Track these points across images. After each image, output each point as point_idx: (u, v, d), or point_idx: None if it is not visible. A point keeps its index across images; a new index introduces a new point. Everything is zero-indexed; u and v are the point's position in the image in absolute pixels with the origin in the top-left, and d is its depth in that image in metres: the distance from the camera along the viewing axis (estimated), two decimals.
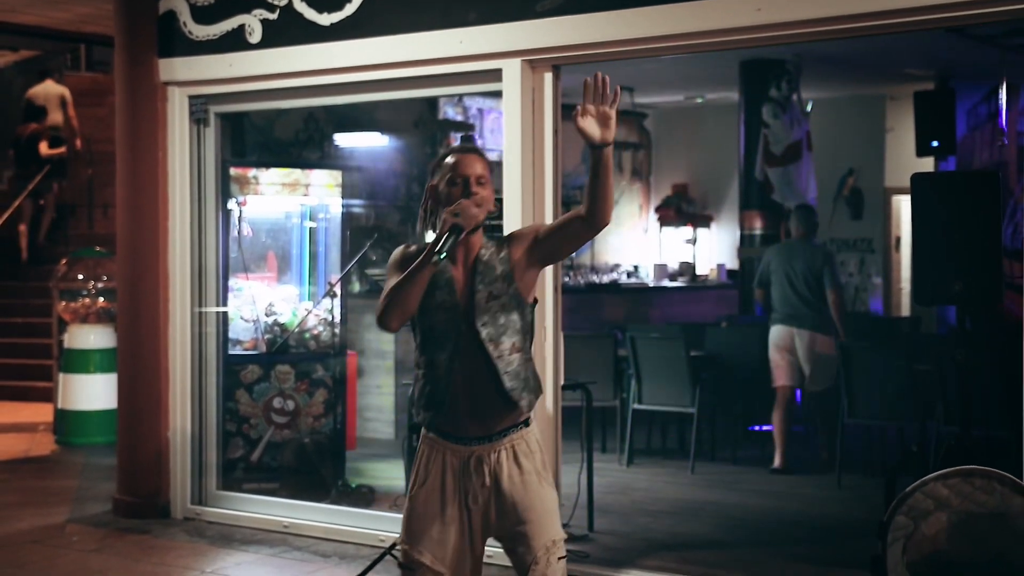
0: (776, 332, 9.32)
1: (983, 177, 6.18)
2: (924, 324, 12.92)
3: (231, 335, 8.06)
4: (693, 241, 16.89)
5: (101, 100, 14.75)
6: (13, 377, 13.14)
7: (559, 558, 3.92)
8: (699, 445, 9.43)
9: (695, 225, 16.83)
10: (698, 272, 16.02)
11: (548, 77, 6.52)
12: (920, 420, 8.44)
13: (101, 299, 10.76)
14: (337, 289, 8.14)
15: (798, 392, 9.43)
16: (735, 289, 13.57)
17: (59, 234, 15.16)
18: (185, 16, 7.62)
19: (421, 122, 12.93)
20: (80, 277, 10.93)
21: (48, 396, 11.63)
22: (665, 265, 15.85)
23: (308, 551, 7.01)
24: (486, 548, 4.05)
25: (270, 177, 8.32)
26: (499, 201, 6.41)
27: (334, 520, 7.33)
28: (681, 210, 16.79)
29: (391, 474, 8.69)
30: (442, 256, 3.72)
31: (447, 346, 3.90)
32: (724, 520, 7.82)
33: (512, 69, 6.48)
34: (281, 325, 8.27)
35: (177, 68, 7.69)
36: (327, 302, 8.21)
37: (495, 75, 6.58)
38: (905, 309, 14.90)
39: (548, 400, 6.47)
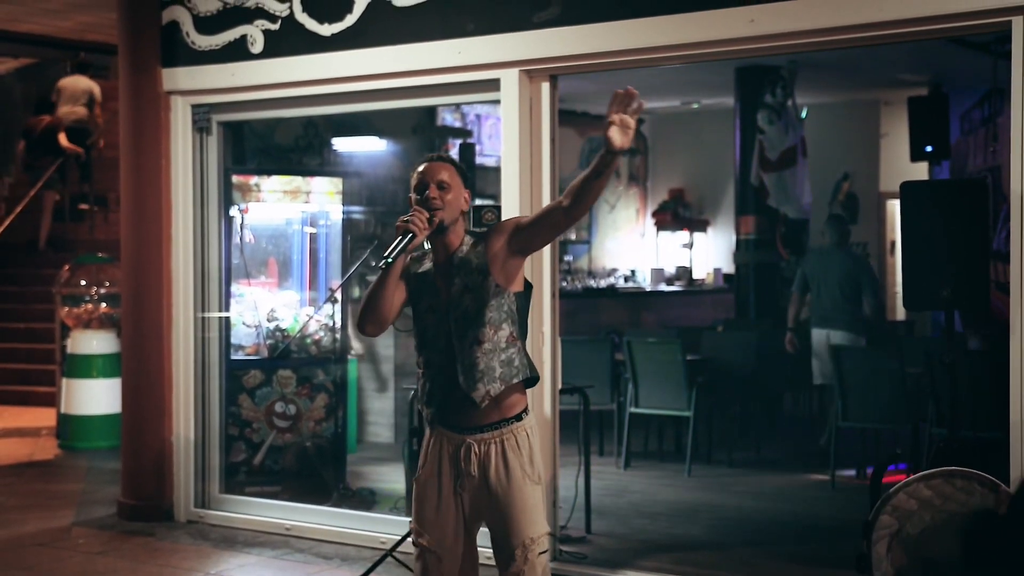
0: (815, 335, 9.88)
1: (971, 185, 6.32)
2: (919, 327, 13.04)
3: (233, 340, 8.16)
4: (690, 246, 16.99)
5: (103, 106, 14.84)
6: (17, 382, 13.23)
7: (540, 553, 4.06)
8: (695, 448, 9.52)
9: (692, 230, 16.94)
10: (695, 276, 16.13)
11: (545, 87, 6.62)
12: (913, 423, 8.55)
13: (104, 305, 10.86)
14: (338, 295, 8.23)
15: None
16: (731, 293, 13.67)
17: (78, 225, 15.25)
18: (188, 26, 7.72)
19: (419, 128, 13.01)
20: (83, 283, 11.02)
21: (51, 401, 11.71)
22: (662, 269, 15.96)
23: (310, 553, 7.10)
24: (481, 550, 4.20)
25: (271, 184, 8.41)
26: (497, 208, 6.54)
27: (335, 523, 7.42)
28: (678, 215, 16.91)
29: (392, 477, 8.78)
30: (390, 260, 3.91)
31: (438, 346, 4.11)
32: (719, 521, 7.92)
33: (510, 79, 6.58)
34: (283, 330, 8.35)
35: (180, 78, 7.79)
36: (328, 308, 8.30)
37: (493, 85, 6.67)
38: (900, 313, 15.00)
39: (546, 404, 6.57)
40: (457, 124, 13.68)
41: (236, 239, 8.14)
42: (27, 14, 12.24)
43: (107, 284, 10.86)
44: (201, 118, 7.83)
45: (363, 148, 12.45)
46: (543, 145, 6.63)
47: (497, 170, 6.95)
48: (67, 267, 11.37)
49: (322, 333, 8.38)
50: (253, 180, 8.32)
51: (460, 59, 6.71)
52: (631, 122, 3.74)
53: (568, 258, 15.31)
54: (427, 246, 4.20)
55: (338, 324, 8.33)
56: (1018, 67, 5.24)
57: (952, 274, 5.69)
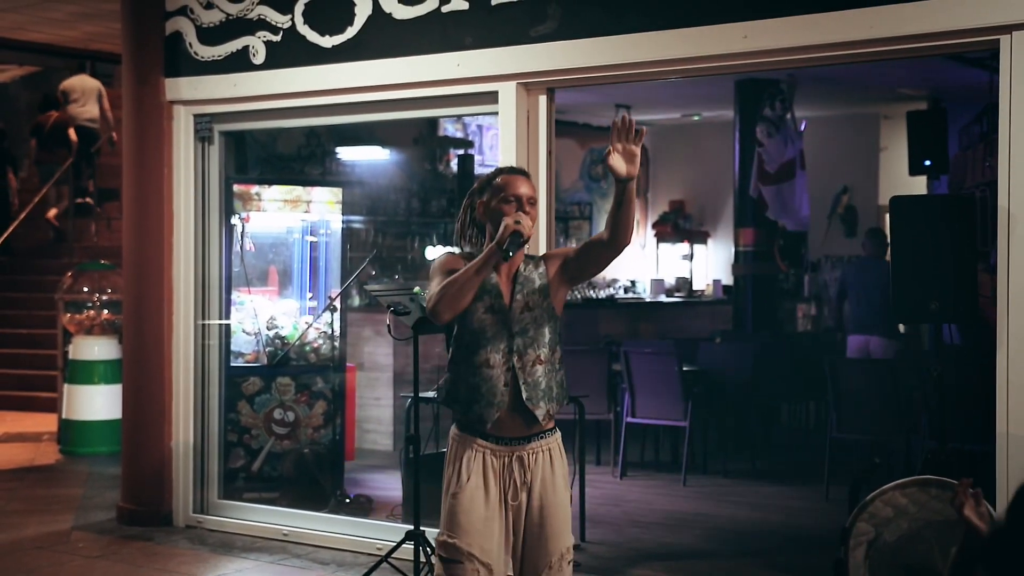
0: (853, 340, 10.25)
1: (959, 200, 6.39)
2: (920, 340, 13.08)
3: (233, 348, 8.22)
4: (690, 257, 17.06)
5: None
6: (19, 388, 13.30)
7: (568, 562, 4.15)
8: (691, 458, 9.59)
9: (692, 241, 17.00)
10: (695, 288, 16.19)
11: (542, 99, 6.71)
12: (905, 434, 8.62)
13: (105, 311, 10.93)
14: (337, 303, 8.29)
15: None
16: (730, 305, 13.74)
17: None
18: (191, 37, 7.81)
19: (421, 138, 13.11)
20: (85, 289, 11.10)
21: (53, 406, 11.76)
22: (662, 280, 16.02)
23: (307, 559, 7.17)
24: None
25: (272, 194, 8.48)
26: None
27: (332, 529, 7.49)
28: (678, 226, 16.98)
29: (389, 484, 8.85)
30: (511, 253, 3.92)
31: (499, 347, 4.12)
32: (713, 531, 7.98)
33: (508, 91, 6.67)
34: (282, 338, 8.41)
35: (183, 87, 7.87)
36: (327, 316, 8.36)
37: (491, 97, 6.76)
38: (900, 325, 15.05)
39: None
40: (459, 135, 13.76)
41: (237, 247, 8.20)
42: (32, 23, 12.33)
43: (109, 291, 10.94)
44: (203, 127, 7.91)
45: (365, 157, 12.55)
46: (540, 156, 6.72)
47: None
48: (69, 274, 11.45)
49: (321, 341, 8.45)
50: (254, 189, 8.39)
51: (459, 72, 6.79)
52: (635, 150, 3.80)
53: None
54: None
55: (336, 332, 8.39)
56: (1005, 86, 5.33)
57: (940, 288, 5.77)
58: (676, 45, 6.11)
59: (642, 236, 17.18)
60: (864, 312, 10.44)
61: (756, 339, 11.51)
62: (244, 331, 8.35)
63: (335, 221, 8.69)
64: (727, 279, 15.04)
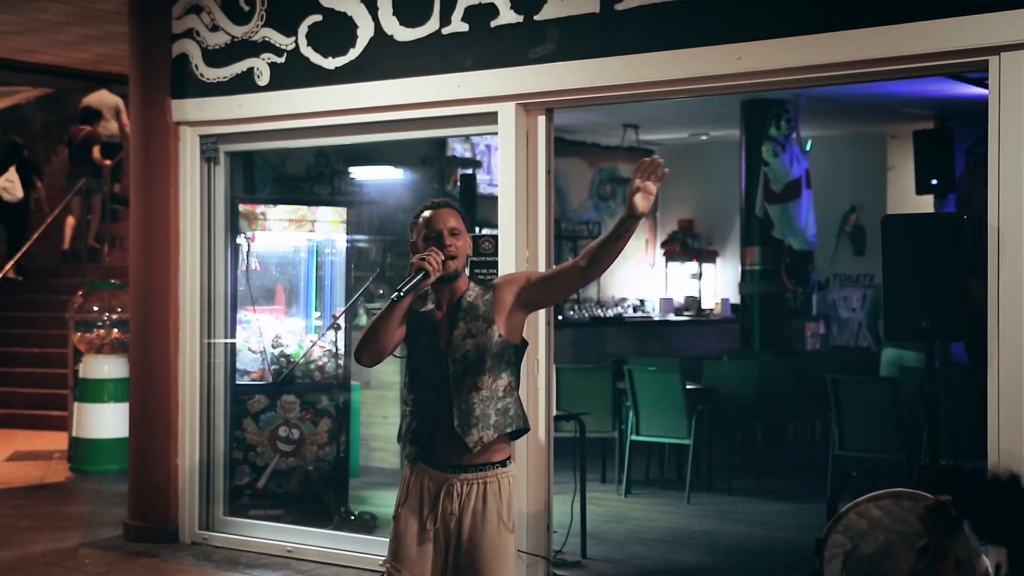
0: (886, 355, 10.06)
1: (950, 219, 6.45)
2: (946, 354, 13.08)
3: (239, 366, 8.29)
4: (699, 276, 17.11)
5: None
6: (30, 406, 13.38)
7: None
8: (695, 476, 9.63)
9: (700, 260, 17.05)
10: (703, 306, 16.24)
11: (541, 120, 6.79)
12: (907, 452, 8.65)
13: (115, 330, 11.02)
14: (341, 322, 8.36)
15: None
16: (738, 323, 13.78)
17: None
18: (197, 59, 7.91)
19: (429, 158, 13.19)
20: (95, 309, 11.19)
21: (63, 425, 11.84)
22: (671, 299, 16.08)
23: (311, 575, 7.23)
24: None
25: (277, 213, 8.55)
26: (494, 238, 6.71)
27: (336, 545, 7.55)
28: (687, 245, 17.04)
29: (393, 502, 8.85)
30: (401, 294, 3.97)
31: (431, 386, 4.15)
32: (715, 548, 8.01)
33: (507, 112, 6.75)
34: (287, 356, 8.48)
35: (189, 109, 7.97)
36: (331, 334, 8.42)
37: (491, 117, 6.84)
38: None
39: (540, 431, 6.70)
40: (467, 154, 13.84)
41: (242, 266, 8.27)
42: (44, 45, 12.46)
43: (119, 310, 11.01)
44: (209, 148, 8.01)
45: (373, 177, 12.64)
46: (539, 176, 6.79)
47: None
48: (80, 293, 11.54)
49: (325, 359, 8.51)
50: (259, 209, 8.47)
51: (459, 92, 6.87)
52: (654, 189, 3.82)
53: None
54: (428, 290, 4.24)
55: (341, 351, 8.45)
56: (995, 105, 5.38)
57: (932, 306, 5.82)
58: (672, 66, 6.18)
59: (651, 255, 17.24)
60: None
61: (761, 357, 11.56)
62: (250, 349, 8.41)
63: (340, 240, 8.76)
64: (736, 298, 15.10)
